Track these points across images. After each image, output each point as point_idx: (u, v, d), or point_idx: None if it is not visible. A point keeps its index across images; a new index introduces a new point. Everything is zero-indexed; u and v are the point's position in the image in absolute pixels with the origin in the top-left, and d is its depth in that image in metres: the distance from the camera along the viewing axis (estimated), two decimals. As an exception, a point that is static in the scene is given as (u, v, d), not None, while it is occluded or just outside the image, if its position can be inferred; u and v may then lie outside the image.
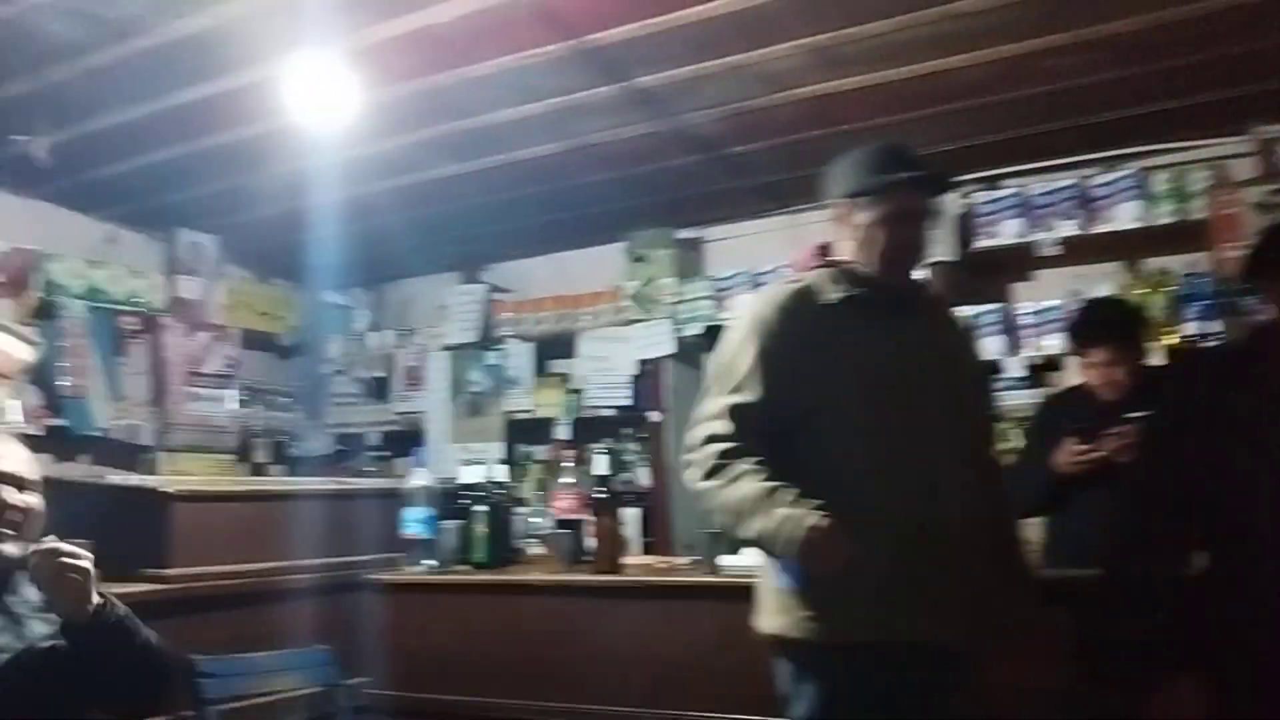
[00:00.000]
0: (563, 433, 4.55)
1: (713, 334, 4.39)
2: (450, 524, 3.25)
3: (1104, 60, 3.05)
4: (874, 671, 1.88)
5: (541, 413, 4.65)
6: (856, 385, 1.94)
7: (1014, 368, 3.75)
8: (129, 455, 4.30)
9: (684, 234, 4.58)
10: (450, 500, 3.33)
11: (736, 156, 3.87)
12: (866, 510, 1.86)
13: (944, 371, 2.00)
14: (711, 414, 1.96)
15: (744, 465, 1.89)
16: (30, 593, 1.95)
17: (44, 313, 3.99)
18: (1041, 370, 3.76)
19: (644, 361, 4.44)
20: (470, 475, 3.39)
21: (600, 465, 3.13)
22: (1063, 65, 3.07)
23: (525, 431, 4.75)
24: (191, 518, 2.67)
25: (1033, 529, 2.83)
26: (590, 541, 3.00)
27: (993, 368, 3.60)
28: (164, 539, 2.61)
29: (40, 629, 1.91)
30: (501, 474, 3.49)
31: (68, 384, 4.05)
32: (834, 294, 1.99)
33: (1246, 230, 3.24)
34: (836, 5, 2.76)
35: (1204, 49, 2.98)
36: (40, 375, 3.93)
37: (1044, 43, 2.94)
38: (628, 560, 3.08)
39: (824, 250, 2.12)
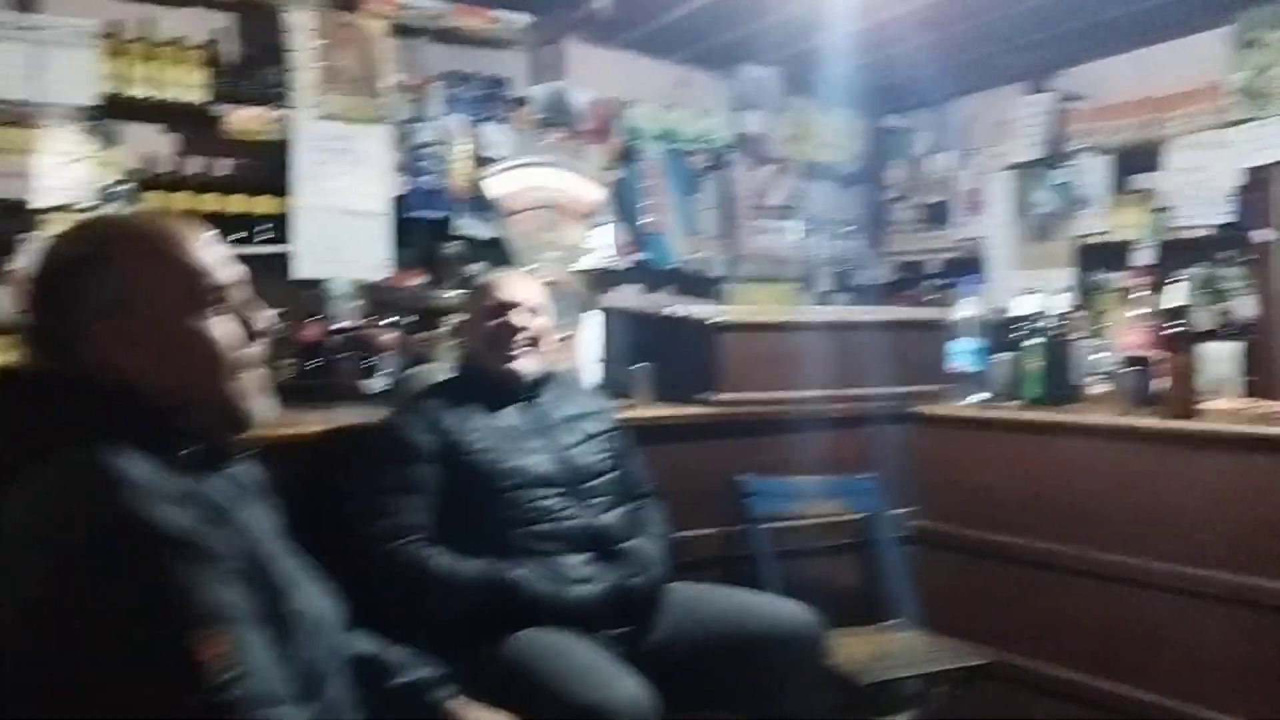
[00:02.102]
0: (1144, 257, 4.04)
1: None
2: (1003, 357, 3.08)
3: None
4: None
5: (1118, 235, 4.17)
6: None
7: None
8: (704, 286, 4.66)
9: (1317, 6, 3.68)
10: (1004, 331, 3.14)
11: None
12: None
13: None
14: None
15: None
16: (563, 403, 2.23)
17: (626, 156, 4.40)
18: None
19: (1251, 170, 3.73)
20: (1026, 305, 3.16)
21: (1177, 294, 2.71)
22: None
23: (1098, 257, 4.30)
24: (734, 346, 2.79)
25: None
26: (1161, 382, 2.64)
27: None
28: (711, 366, 2.78)
29: (569, 437, 2.18)
30: (1062, 304, 3.20)
31: (648, 221, 4.46)
32: None
33: None
34: None
35: None
36: (625, 213, 4.36)
37: None
38: (1208, 404, 2.66)
39: None
